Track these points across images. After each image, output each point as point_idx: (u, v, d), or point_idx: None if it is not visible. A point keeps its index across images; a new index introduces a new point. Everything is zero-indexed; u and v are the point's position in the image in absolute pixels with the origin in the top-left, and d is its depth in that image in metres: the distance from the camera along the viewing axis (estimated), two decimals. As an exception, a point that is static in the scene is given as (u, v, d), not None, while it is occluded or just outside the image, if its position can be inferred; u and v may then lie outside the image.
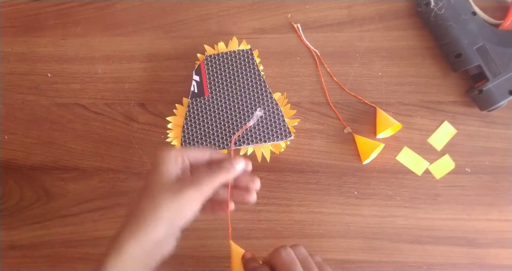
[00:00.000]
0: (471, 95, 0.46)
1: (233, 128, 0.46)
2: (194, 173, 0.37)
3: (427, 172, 0.47)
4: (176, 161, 0.35)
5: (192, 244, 0.48)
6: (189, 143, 0.46)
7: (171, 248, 0.34)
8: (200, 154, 0.37)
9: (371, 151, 0.45)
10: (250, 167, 0.38)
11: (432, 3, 0.46)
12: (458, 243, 0.46)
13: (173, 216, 0.33)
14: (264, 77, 0.48)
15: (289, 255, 0.33)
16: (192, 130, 0.47)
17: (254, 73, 0.48)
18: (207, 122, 0.47)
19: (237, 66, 0.48)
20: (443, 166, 0.47)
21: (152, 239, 0.32)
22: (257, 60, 0.48)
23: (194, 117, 0.47)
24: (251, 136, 0.46)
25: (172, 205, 0.32)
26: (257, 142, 0.46)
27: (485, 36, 0.45)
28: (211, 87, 0.48)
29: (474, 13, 0.46)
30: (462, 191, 0.47)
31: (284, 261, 0.33)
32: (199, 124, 0.47)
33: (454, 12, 0.45)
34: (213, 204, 0.38)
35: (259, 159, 0.47)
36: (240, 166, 0.36)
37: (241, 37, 0.50)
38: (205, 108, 0.47)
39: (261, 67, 0.49)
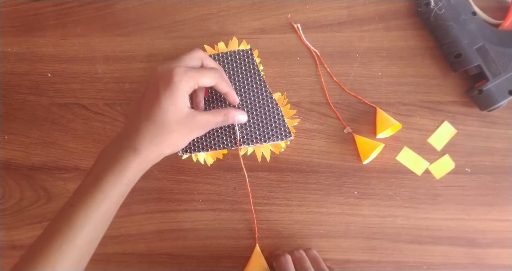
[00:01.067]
0: (471, 95, 0.46)
1: (233, 128, 0.46)
2: (200, 107, 0.45)
3: (427, 172, 0.47)
4: (189, 92, 0.39)
5: (192, 244, 0.48)
6: (189, 143, 0.46)
7: None
8: (208, 82, 0.40)
9: (371, 151, 0.45)
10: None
11: (432, 3, 0.46)
12: (458, 243, 0.46)
13: (173, 150, 0.40)
14: (264, 77, 0.48)
15: (287, 261, 0.41)
16: (192, 130, 0.47)
17: (254, 73, 0.48)
18: (207, 122, 0.47)
19: (237, 66, 0.48)
20: (443, 166, 0.47)
21: (151, 164, 0.39)
22: (257, 60, 0.48)
23: (194, 117, 0.47)
24: (251, 135, 0.46)
25: (179, 142, 0.39)
26: (257, 142, 0.46)
27: (485, 36, 0.45)
28: (211, 87, 0.48)
29: (474, 13, 0.46)
30: (462, 191, 0.47)
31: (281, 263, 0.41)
32: (199, 124, 0.47)
33: (454, 12, 0.45)
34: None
35: (259, 159, 0.47)
36: (243, 121, 0.45)
37: (241, 37, 0.50)
38: (205, 108, 0.47)
39: (261, 67, 0.49)
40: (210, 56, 0.48)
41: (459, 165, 0.47)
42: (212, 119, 0.41)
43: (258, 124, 0.46)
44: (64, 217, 0.34)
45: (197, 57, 0.41)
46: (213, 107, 0.47)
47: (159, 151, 0.38)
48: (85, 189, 0.35)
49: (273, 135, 0.46)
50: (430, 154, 0.47)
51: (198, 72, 0.39)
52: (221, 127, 0.46)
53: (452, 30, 0.45)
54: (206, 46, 0.49)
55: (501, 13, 0.47)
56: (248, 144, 0.46)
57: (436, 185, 0.47)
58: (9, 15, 0.53)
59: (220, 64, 0.48)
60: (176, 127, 0.38)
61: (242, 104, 0.47)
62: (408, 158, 0.47)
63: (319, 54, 0.49)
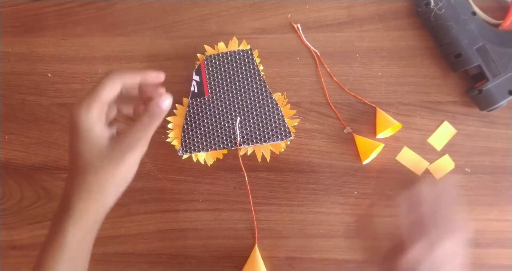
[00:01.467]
0: (470, 95, 0.46)
1: (233, 129, 0.46)
2: (124, 127, 0.37)
3: (427, 172, 0.47)
4: (101, 118, 0.33)
5: (192, 244, 0.48)
6: (189, 143, 0.46)
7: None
8: (110, 92, 0.34)
9: (371, 151, 0.45)
10: (162, 78, 0.38)
11: (432, 3, 0.46)
12: (458, 243, 0.46)
13: (120, 185, 0.34)
14: (264, 77, 0.48)
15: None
16: (192, 130, 0.47)
17: (254, 73, 0.48)
18: (207, 123, 0.47)
19: (237, 67, 0.48)
20: (443, 166, 0.47)
21: (102, 213, 0.35)
22: (257, 60, 0.48)
23: (194, 118, 0.47)
24: (251, 135, 0.46)
25: (117, 175, 0.33)
26: (257, 142, 0.46)
27: (485, 36, 0.45)
28: (211, 88, 0.48)
29: (474, 13, 0.46)
30: (461, 191, 0.47)
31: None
32: (199, 124, 0.47)
33: (454, 12, 0.45)
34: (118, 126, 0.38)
35: (259, 159, 0.47)
36: (168, 103, 0.36)
37: (241, 37, 0.50)
38: (205, 108, 0.47)
39: (261, 67, 0.49)
40: (210, 56, 0.48)
41: (459, 165, 0.47)
42: (138, 129, 0.34)
43: (258, 125, 0.46)
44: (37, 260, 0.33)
45: (108, 86, 0.34)
46: (214, 107, 0.47)
47: (98, 197, 0.33)
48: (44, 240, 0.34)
49: (273, 135, 0.46)
50: (430, 154, 0.47)
51: (91, 93, 0.33)
52: (220, 127, 0.46)
53: (452, 30, 0.45)
54: (206, 46, 0.49)
55: (501, 13, 0.47)
56: (248, 144, 0.46)
57: (436, 185, 0.47)
58: (9, 15, 0.53)
59: (220, 65, 0.48)
60: (100, 163, 0.33)
61: (242, 105, 0.47)
62: (408, 158, 0.47)
63: (319, 54, 0.49)
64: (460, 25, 0.45)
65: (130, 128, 0.34)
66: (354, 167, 0.48)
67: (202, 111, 0.47)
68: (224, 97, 0.47)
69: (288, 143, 0.48)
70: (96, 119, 0.33)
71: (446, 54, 0.47)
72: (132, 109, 0.39)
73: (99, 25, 0.52)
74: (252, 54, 0.48)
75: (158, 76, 0.38)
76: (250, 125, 0.46)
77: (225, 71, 0.48)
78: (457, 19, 0.45)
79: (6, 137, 0.52)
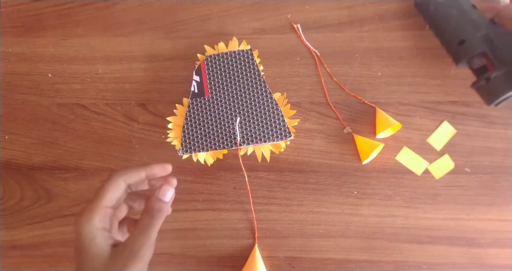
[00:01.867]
0: (476, 87, 0.43)
1: (233, 129, 0.46)
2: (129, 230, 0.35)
3: (426, 171, 0.47)
4: (105, 225, 0.31)
5: (192, 244, 0.48)
6: (189, 143, 0.46)
7: None
8: (118, 192, 0.32)
9: (370, 150, 0.45)
10: (169, 170, 0.36)
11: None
12: (457, 243, 0.46)
13: None
14: (264, 77, 0.48)
15: None
16: (192, 130, 0.47)
17: (254, 74, 0.48)
18: (207, 123, 0.47)
19: (237, 67, 0.48)
20: (443, 166, 0.47)
21: None
22: (257, 60, 0.48)
23: (194, 118, 0.47)
24: (251, 136, 0.46)
25: None
26: (257, 142, 0.46)
27: (488, 26, 0.42)
28: (211, 88, 0.48)
29: (474, 7, 0.44)
30: (461, 190, 0.47)
31: None
32: (199, 124, 0.47)
33: (455, 2, 0.44)
34: (129, 223, 0.36)
35: (259, 159, 0.47)
36: (170, 194, 0.33)
37: (241, 38, 0.50)
38: (205, 108, 0.47)
39: (261, 68, 0.49)
40: (210, 56, 0.48)
41: (458, 165, 0.47)
42: (138, 234, 0.31)
43: (258, 125, 0.46)
44: None
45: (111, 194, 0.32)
46: (214, 107, 0.47)
47: None
48: None
49: (273, 135, 0.46)
50: (430, 153, 0.47)
51: (92, 201, 0.31)
52: (221, 127, 0.47)
53: (453, 18, 0.43)
54: (206, 46, 0.49)
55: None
56: (248, 144, 0.46)
57: (436, 185, 0.47)
58: (9, 16, 0.54)
59: (220, 65, 0.48)
60: None
61: (242, 105, 0.47)
62: (408, 158, 0.47)
63: (319, 54, 0.49)
64: (462, 13, 0.43)
65: (131, 234, 0.32)
66: (354, 167, 0.48)
67: (202, 111, 0.47)
68: (224, 97, 0.47)
69: (288, 142, 0.48)
70: (98, 228, 0.31)
71: (448, 44, 0.44)
72: (144, 205, 0.36)
73: (99, 25, 0.52)
74: (252, 54, 0.48)
75: (163, 169, 0.35)
76: (250, 125, 0.46)
77: (225, 71, 0.48)
78: (458, 7, 0.43)
79: (6, 137, 0.52)
